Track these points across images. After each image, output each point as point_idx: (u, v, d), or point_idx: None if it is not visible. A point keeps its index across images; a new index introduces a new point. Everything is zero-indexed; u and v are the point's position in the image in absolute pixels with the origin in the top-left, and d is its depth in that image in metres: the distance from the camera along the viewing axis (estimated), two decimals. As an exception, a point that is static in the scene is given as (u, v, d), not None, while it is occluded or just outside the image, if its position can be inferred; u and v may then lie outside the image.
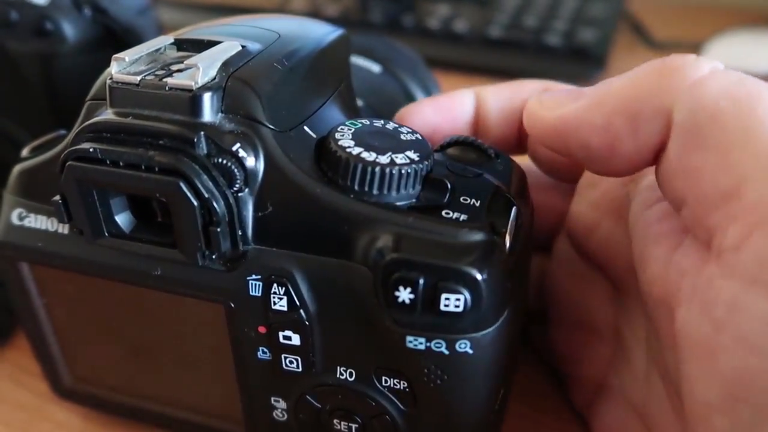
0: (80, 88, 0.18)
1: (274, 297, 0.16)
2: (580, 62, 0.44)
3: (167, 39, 0.18)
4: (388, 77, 0.28)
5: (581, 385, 0.22)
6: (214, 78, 0.16)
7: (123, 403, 0.21)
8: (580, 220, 0.21)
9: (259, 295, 0.16)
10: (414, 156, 0.16)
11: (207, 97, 0.16)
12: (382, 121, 0.18)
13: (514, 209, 0.17)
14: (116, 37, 0.26)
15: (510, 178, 0.18)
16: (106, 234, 0.17)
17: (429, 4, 0.51)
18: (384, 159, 0.16)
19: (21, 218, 0.19)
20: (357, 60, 0.28)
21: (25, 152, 0.20)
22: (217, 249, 0.16)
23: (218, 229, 0.15)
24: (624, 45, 0.51)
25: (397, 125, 0.18)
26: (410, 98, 0.28)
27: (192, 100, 0.15)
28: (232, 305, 0.17)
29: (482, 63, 0.45)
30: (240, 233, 0.16)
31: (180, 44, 0.18)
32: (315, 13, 0.50)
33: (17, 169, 0.19)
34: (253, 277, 0.16)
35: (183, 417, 0.21)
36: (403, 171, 0.16)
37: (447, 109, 0.21)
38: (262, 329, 0.17)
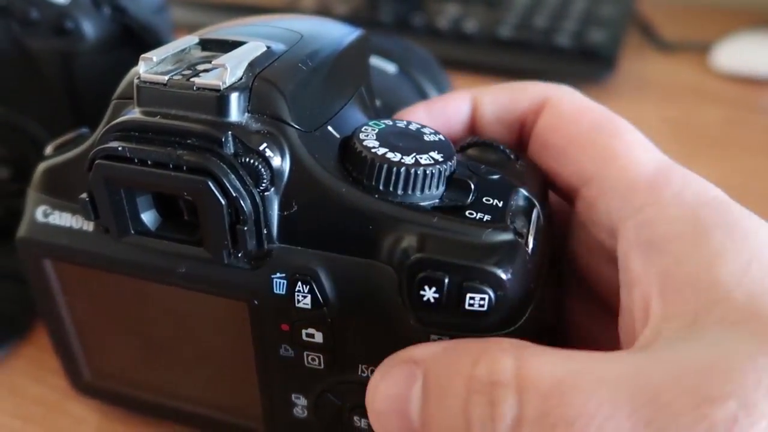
0: (99, 85, 0.18)
1: (298, 295, 0.16)
2: (589, 63, 0.44)
3: (192, 39, 0.18)
4: (403, 77, 0.28)
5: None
6: (241, 78, 0.16)
7: (142, 399, 0.22)
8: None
9: (284, 293, 0.16)
10: (438, 156, 0.16)
11: (234, 97, 0.16)
12: (405, 122, 0.18)
13: (535, 210, 0.17)
14: (134, 35, 0.27)
15: (530, 179, 0.18)
16: (132, 232, 0.17)
17: (438, 3, 0.51)
18: (409, 159, 0.16)
19: (46, 215, 0.19)
20: (373, 60, 0.28)
21: (48, 150, 0.20)
22: (243, 247, 0.16)
23: (245, 228, 0.15)
24: (633, 46, 0.51)
25: (419, 126, 0.18)
26: (425, 98, 0.28)
27: (219, 99, 0.16)
28: (256, 303, 0.17)
29: (491, 63, 0.46)
30: (265, 232, 0.16)
31: (205, 44, 0.18)
32: (325, 12, 0.51)
33: (42, 166, 0.19)
34: (278, 275, 0.16)
35: (202, 413, 0.21)
36: (427, 171, 0.16)
37: (441, 113, 0.21)
38: (285, 327, 0.17)
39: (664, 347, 0.13)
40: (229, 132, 0.16)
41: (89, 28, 0.26)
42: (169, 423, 0.22)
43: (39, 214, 0.19)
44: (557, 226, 0.23)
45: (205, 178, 0.15)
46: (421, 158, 0.16)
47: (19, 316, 0.27)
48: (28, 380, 0.25)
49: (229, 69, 0.16)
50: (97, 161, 0.16)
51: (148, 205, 0.17)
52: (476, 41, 0.47)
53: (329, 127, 0.17)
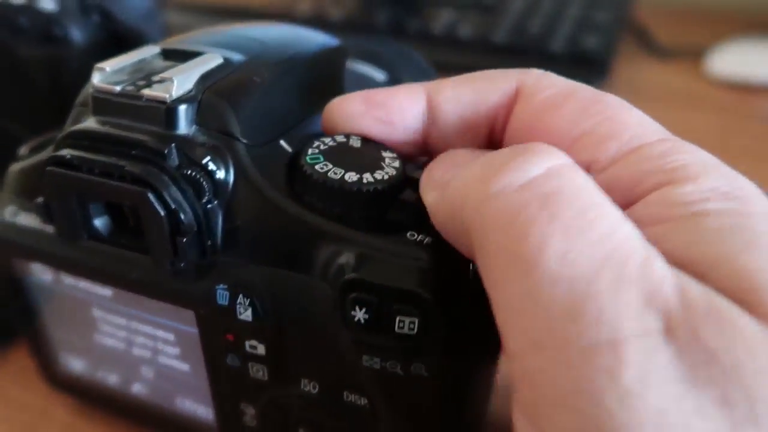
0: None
1: (239, 307, 0.16)
2: (583, 68, 0.44)
3: (153, 49, 0.18)
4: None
5: None
6: (191, 90, 0.16)
7: (107, 399, 0.22)
8: None
9: (226, 304, 0.17)
10: (383, 175, 0.16)
11: (181, 109, 0.16)
12: (359, 139, 0.18)
13: None
14: (123, 41, 0.27)
15: None
16: (85, 236, 0.17)
17: (433, 9, 0.51)
18: (352, 177, 0.16)
19: (13, 215, 0.19)
20: (361, 67, 0.28)
21: (22, 151, 0.20)
22: (184, 258, 0.16)
23: (184, 239, 0.16)
24: (628, 52, 0.50)
25: (377, 144, 0.17)
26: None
27: (166, 112, 0.16)
28: (203, 313, 0.17)
29: (486, 68, 0.45)
30: (209, 243, 0.16)
31: (166, 54, 0.18)
32: (320, 17, 0.50)
33: (13, 167, 0.20)
34: (221, 286, 0.17)
35: (161, 417, 0.21)
36: (370, 189, 0.16)
37: (382, 110, 0.17)
38: (230, 337, 0.17)
39: None
40: (173, 144, 0.16)
41: (77, 34, 0.26)
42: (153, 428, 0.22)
43: (7, 213, 0.20)
44: None
45: (144, 189, 0.15)
46: (365, 176, 0.16)
47: (5, 322, 0.27)
48: (15, 386, 0.25)
49: (176, 81, 0.16)
50: (48, 168, 0.16)
51: (101, 211, 0.17)
52: (471, 46, 0.47)
53: (282, 141, 0.17)
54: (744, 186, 0.13)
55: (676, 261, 0.12)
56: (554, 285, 0.11)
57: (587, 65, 0.44)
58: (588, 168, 0.15)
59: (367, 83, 0.28)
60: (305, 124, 0.19)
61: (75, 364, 0.22)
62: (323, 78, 0.20)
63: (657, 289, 0.11)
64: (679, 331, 0.11)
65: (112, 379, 0.22)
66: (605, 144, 0.15)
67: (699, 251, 0.12)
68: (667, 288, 0.11)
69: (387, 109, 0.17)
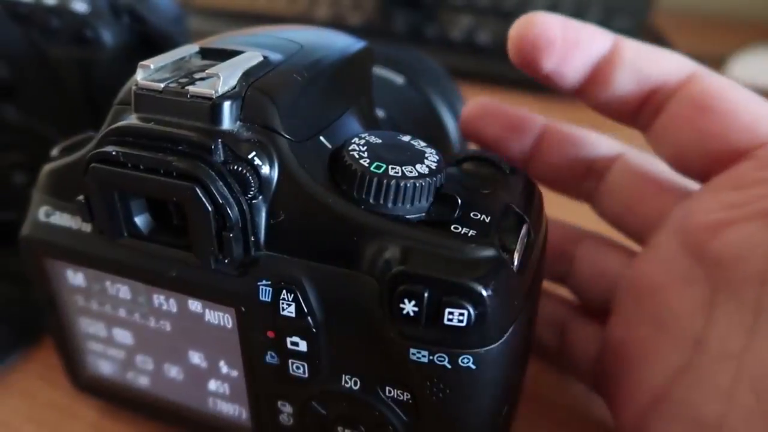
0: (117, 92, 0.19)
1: (282, 303, 0.17)
2: None
3: (193, 48, 0.18)
4: (411, 89, 0.28)
5: (634, 392, 0.19)
6: (234, 87, 0.16)
7: (137, 401, 0.22)
8: (707, 216, 0.18)
9: (269, 300, 0.17)
10: (425, 170, 0.16)
11: (226, 105, 0.16)
12: (398, 134, 0.18)
13: (524, 227, 0.17)
14: (152, 43, 0.27)
15: (524, 195, 0.18)
16: (126, 234, 0.17)
17: (451, 14, 0.51)
18: (395, 172, 0.16)
19: (47, 215, 0.19)
20: (381, 71, 0.28)
21: (54, 152, 0.20)
22: (229, 254, 0.16)
23: (231, 235, 0.16)
24: None
25: (411, 138, 0.18)
26: (432, 111, 0.28)
27: (211, 108, 0.16)
28: (243, 309, 0.17)
29: (504, 74, 0.45)
30: (252, 239, 0.16)
31: (205, 53, 0.19)
32: (338, 22, 0.51)
33: (46, 168, 0.20)
34: (264, 282, 0.17)
35: (193, 416, 0.21)
36: (414, 184, 0.16)
37: (575, 33, 0.20)
38: (270, 334, 0.17)
39: None
40: (219, 140, 0.16)
41: (108, 36, 0.26)
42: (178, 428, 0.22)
43: (41, 214, 0.20)
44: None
45: (192, 184, 0.15)
46: (408, 171, 0.16)
47: (32, 321, 0.27)
48: (41, 384, 0.25)
49: (222, 78, 0.16)
50: (92, 165, 0.16)
51: (142, 208, 0.17)
52: (489, 52, 0.47)
53: (321, 138, 0.18)
54: None
55: None
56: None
57: None
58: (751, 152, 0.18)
59: (386, 85, 0.28)
60: (341, 120, 0.19)
61: (104, 367, 0.22)
62: (355, 77, 0.21)
63: None
64: None
65: (141, 380, 0.22)
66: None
67: None
68: None
69: (579, 36, 0.20)
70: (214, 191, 0.15)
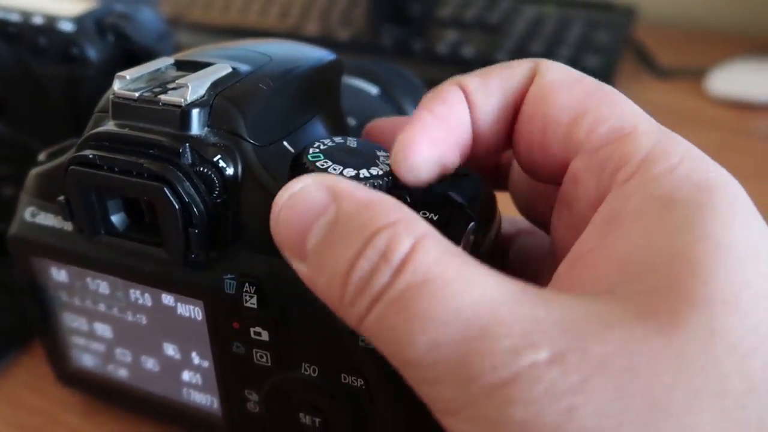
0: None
1: (246, 295, 0.18)
2: None
3: (168, 60, 0.20)
4: (384, 99, 0.30)
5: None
6: (203, 96, 0.18)
7: (118, 392, 0.23)
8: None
9: (233, 292, 0.18)
10: (378, 171, 0.18)
11: (194, 112, 0.18)
12: (356, 140, 0.19)
13: (470, 225, 0.18)
14: (137, 60, 0.29)
15: (474, 195, 0.19)
16: (103, 232, 0.19)
17: (438, 29, 0.53)
18: (349, 173, 0.17)
19: (33, 215, 0.21)
20: (356, 81, 0.30)
21: (41, 157, 0.22)
22: (196, 248, 0.17)
23: (196, 231, 0.17)
24: (629, 71, 0.51)
25: (372, 144, 0.19)
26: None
27: (181, 115, 0.17)
28: (210, 301, 0.19)
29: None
30: (219, 236, 0.18)
31: (179, 65, 0.20)
32: (327, 38, 0.52)
33: (33, 172, 0.21)
34: (228, 276, 0.18)
35: (168, 405, 0.22)
36: (365, 185, 0.17)
37: (440, 127, 0.18)
38: (236, 325, 0.19)
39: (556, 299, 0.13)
40: (187, 144, 0.17)
41: (94, 54, 0.27)
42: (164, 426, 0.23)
43: (27, 214, 0.21)
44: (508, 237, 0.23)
45: (161, 184, 0.17)
46: (360, 173, 0.17)
47: (18, 328, 0.28)
48: (27, 391, 0.26)
49: (191, 87, 0.18)
50: (71, 167, 0.18)
51: (118, 208, 0.19)
52: (475, 66, 0.47)
53: (285, 143, 0.19)
54: (715, 176, 0.15)
55: (624, 263, 0.13)
56: (432, 370, 0.13)
57: None
58: (581, 144, 0.16)
59: (361, 95, 0.29)
60: (306, 127, 0.20)
61: (86, 360, 0.23)
62: (322, 86, 0.22)
63: (529, 335, 0.12)
64: (565, 355, 0.12)
65: (121, 373, 0.23)
66: (601, 125, 0.16)
67: (646, 255, 0.13)
68: (543, 330, 0.12)
69: (445, 125, 0.18)
70: (181, 191, 0.17)
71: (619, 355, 0.12)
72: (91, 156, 0.17)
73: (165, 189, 0.17)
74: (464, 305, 0.13)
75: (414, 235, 0.14)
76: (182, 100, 0.17)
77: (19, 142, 0.28)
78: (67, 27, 0.27)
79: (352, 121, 0.26)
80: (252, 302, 0.18)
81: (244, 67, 0.20)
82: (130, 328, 0.21)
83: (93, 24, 0.27)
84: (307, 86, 0.21)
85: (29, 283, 0.22)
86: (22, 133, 0.28)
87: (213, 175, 0.17)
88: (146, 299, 0.20)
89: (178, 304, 0.20)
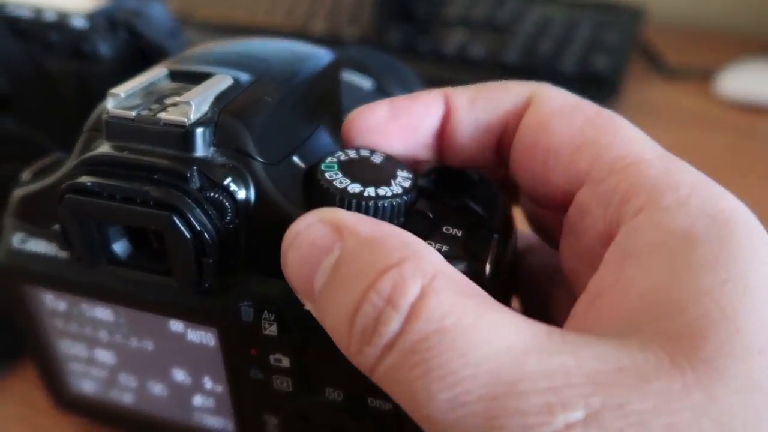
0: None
1: (264, 323, 0.17)
2: (593, 88, 0.44)
3: (162, 71, 0.18)
4: (378, 94, 0.28)
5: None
6: (206, 113, 0.17)
7: (120, 417, 0.22)
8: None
9: (251, 320, 0.17)
10: (398, 189, 0.17)
11: (199, 132, 0.16)
12: (369, 151, 0.18)
13: (494, 238, 0.17)
14: (148, 56, 0.27)
15: (491, 203, 0.19)
16: (104, 261, 0.17)
17: (445, 28, 0.52)
18: (369, 192, 0.16)
19: (23, 242, 0.19)
20: (349, 76, 0.28)
21: (25, 176, 0.20)
22: (209, 278, 0.16)
23: (210, 260, 0.16)
24: (637, 72, 0.50)
25: (383, 156, 0.18)
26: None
27: (185, 135, 0.16)
28: (226, 329, 0.18)
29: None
30: (232, 262, 0.17)
31: (174, 75, 0.19)
32: (333, 36, 0.51)
33: (18, 193, 0.20)
34: (245, 303, 0.17)
35: (179, 429, 0.21)
36: (390, 204, 0.16)
37: (406, 113, 0.18)
38: (254, 351, 0.18)
39: (576, 341, 0.12)
40: (194, 167, 0.16)
41: (105, 50, 0.27)
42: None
43: (16, 240, 0.19)
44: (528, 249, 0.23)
45: (170, 213, 0.16)
46: (381, 191, 0.17)
47: (8, 347, 0.27)
48: (39, 390, 0.24)
49: (194, 105, 0.16)
50: (66, 195, 0.16)
51: (120, 235, 0.18)
52: (482, 66, 0.47)
53: (295, 158, 0.18)
54: (729, 207, 0.14)
55: (648, 301, 0.13)
56: (455, 429, 0.12)
57: (597, 85, 0.45)
58: (585, 175, 0.16)
59: (355, 91, 0.28)
60: (313, 138, 0.19)
61: (86, 385, 0.22)
62: (325, 91, 0.21)
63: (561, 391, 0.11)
64: (602, 414, 0.11)
65: (126, 397, 0.22)
66: (604, 155, 0.15)
67: (671, 293, 0.13)
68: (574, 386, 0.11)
69: (411, 115, 0.18)
70: (192, 219, 0.16)
71: (659, 412, 0.11)
72: (89, 183, 0.16)
73: (174, 218, 0.16)
74: (486, 357, 0.12)
75: (423, 276, 0.13)
76: (185, 119, 0.16)
77: (30, 139, 0.27)
78: (79, 23, 0.27)
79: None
80: (272, 330, 0.17)
81: (244, 77, 0.18)
82: (134, 354, 0.20)
83: (104, 20, 0.26)
84: (310, 93, 0.20)
85: (21, 311, 0.21)
86: (34, 129, 0.27)
87: (224, 200, 0.16)
88: (152, 326, 0.19)
89: (189, 330, 0.19)
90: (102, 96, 0.18)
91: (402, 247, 0.14)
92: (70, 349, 0.21)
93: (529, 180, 0.17)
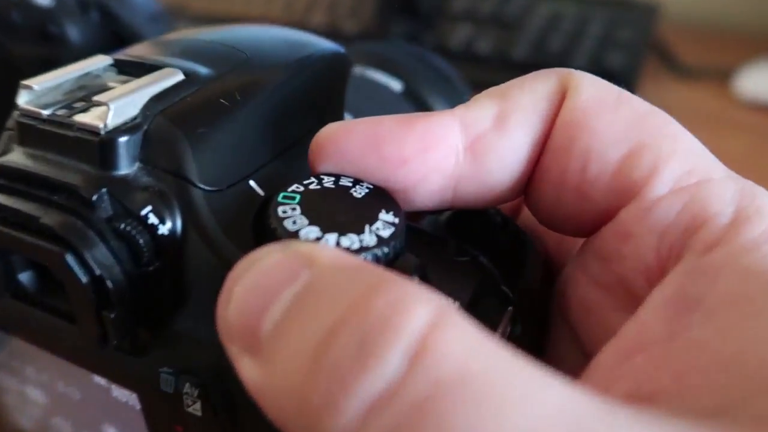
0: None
1: (186, 398, 0.13)
2: None
3: (104, 60, 0.15)
4: (408, 99, 0.24)
5: None
6: (136, 117, 0.13)
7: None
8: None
9: (171, 391, 0.13)
10: (371, 239, 0.12)
11: (120, 143, 0.12)
12: (369, 188, 0.13)
13: (507, 312, 0.13)
14: (125, 43, 0.24)
15: (516, 258, 0.14)
16: (7, 294, 0.14)
17: (451, 23, 0.48)
18: (328, 240, 0.12)
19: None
20: (374, 74, 0.24)
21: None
22: (114, 337, 0.12)
23: (112, 315, 0.12)
24: (652, 71, 0.47)
25: (370, 188, 0.13)
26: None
27: (100, 146, 0.12)
28: (146, 396, 0.14)
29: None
30: (152, 312, 0.13)
31: (120, 66, 0.15)
32: (334, 30, 0.48)
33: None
34: (165, 370, 0.13)
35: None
36: (377, 254, 0.12)
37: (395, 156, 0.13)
38: (179, 428, 0.14)
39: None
40: (104, 190, 0.12)
41: (75, 33, 0.23)
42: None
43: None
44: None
45: (62, 249, 0.12)
46: (345, 240, 0.12)
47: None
48: None
49: (113, 107, 0.12)
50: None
51: (25, 264, 0.14)
52: (489, 62, 0.44)
53: (252, 183, 0.14)
54: None
55: (733, 373, 0.10)
56: None
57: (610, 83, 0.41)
58: (638, 190, 0.12)
59: (381, 93, 0.24)
60: (286, 159, 0.15)
61: (24, 422, 0.19)
62: (317, 96, 0.17)
63: None
64: None
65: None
66: (664, 166, 0.12)
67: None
68: None
69: (426, 163, 0.13)
70: (90, 260, 0.12)
71: None
72: (-19, 200, 0.13)
73: (67, 256, 0.12)
74: (533, 424, 0.08)
75: (429, 303, 0.09)
76: (101, 124, 0.12)
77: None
78: (43, 1, 0.23)
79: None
80: (195, 408, 0.13)
81: (203, 70, 0.14)
82: (64, 398, 0.17)
83: (74, -1, 0.23)
84: (298, 97, 0.15)
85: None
86: (-2, 117, 0.24)
87: (138, 236, 0.12)
88: (75, 374, 0.15)
89: (112, 386, 0.15)
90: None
91: (395, 276, 0.09)
92: (3, 380, 0.18)
93: (554, 195, 0.13)
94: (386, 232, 0.12)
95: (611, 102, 0.13)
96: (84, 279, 0.12)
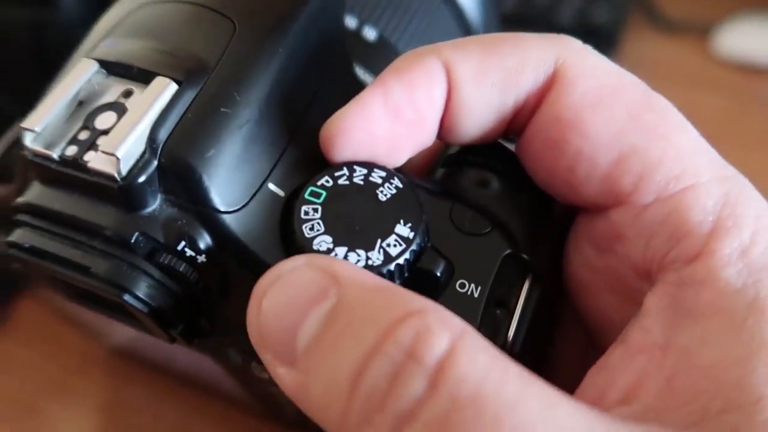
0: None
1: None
2: (591, 41, 0.34)
3: (90, 65, 0.14)
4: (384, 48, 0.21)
5: None
6: (143, 155, 0.13)
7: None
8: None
9: (240, 363, 0.16)
10: (377, 257, 0.13)
11: (138, 185, 0.13)
12: (381, 175, 0.14)
13: (527, 282, 0.14)
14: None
15: (533, 230, 0.14)
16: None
17: None
18: (337, 254, 0.13)
19: None
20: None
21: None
22: (184, 342, 0.14)
23: (177, 331, 0.14)
24: (635, 25, 0.45)
25: (396, 190, 0.14)
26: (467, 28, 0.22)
27: (122, 192, 0.13)
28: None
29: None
30: (204, 324, 0.15)
31: (109, 69, 0.14)
32: None
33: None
34: (232, 349, 0.15)
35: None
36: (383, 271, 0.13)
37: (409, 107, 0.14)
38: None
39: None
40: (137, 233, 0.13)
41: None
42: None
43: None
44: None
45: (120, 292, 0.13)
46: (371, 255, 0.13)
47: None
48: (17, 346, 0.27)
49: (122, 157, 0.12)
50: (10, 251, 0.14)
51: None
52: None
53: (270, 185, 0.14)
54: None
55: (714, 381, 0.11)
56: None
57: (595, 38, 0.39)
58: (626, 195, 0.13)
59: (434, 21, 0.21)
60: (301, 129, 0.15)
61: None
62: (318, 50, 0.15)
63: None
64: None
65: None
66: (652, 174, 0.13)
67: (743, 378, 0.11)
68: None
69: (416, 105, 0.14)
70: (143, 296, 0.13)
71: None
72: (27, 245, 0.14)
73: (125, 297, 0.13)
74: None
75: (450, 329, 0.10)
76: (115, 173, 0.13)
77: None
78: None
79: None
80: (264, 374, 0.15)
81: (192, 77, 0.14)
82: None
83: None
84: (297, 63, 0.15)
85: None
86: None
87: (178, 267, 0.13)
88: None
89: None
90: (59, 48, 0.14)
91: (418, 298, 0.11)
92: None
93: (546, 177, 0.14)
94: (395, 250, 0.13)
95: (606, 96, 0.13)
96: (145, 309, 0.13)
